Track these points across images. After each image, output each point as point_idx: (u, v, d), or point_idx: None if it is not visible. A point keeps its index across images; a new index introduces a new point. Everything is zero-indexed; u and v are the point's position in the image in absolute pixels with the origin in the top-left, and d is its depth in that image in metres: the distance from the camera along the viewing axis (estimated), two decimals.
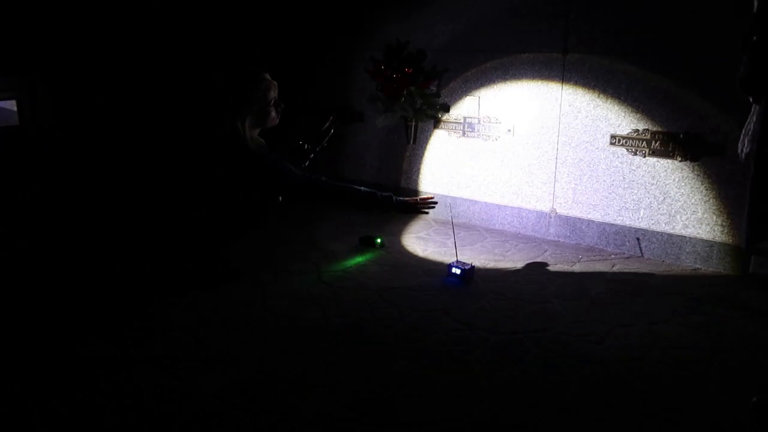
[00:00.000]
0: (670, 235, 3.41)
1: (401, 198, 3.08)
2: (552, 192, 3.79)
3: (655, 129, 3.37)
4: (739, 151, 2.08)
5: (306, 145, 3.44)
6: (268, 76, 2.93)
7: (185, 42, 4.13)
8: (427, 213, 3.11)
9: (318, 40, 4.63)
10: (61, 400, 2.04)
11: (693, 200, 3.32)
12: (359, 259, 3.43)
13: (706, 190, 3.26)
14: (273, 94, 2.93)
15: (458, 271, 3.13)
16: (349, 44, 4.50)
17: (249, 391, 2.12)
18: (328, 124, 3.51)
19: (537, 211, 3.87)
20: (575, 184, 3.69)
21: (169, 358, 2.32)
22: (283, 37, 4.64)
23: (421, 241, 3.79)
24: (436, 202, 3.10)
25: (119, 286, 2.92)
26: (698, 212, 3.31)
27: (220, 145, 2.80)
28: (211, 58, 4.14)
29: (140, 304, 2.76)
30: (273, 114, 2.95)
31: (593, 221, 3.66)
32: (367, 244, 3.64)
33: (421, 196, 3.06)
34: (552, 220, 3.81)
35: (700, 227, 3.32)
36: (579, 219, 3.71)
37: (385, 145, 4.48)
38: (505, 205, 3.99)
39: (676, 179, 3.35)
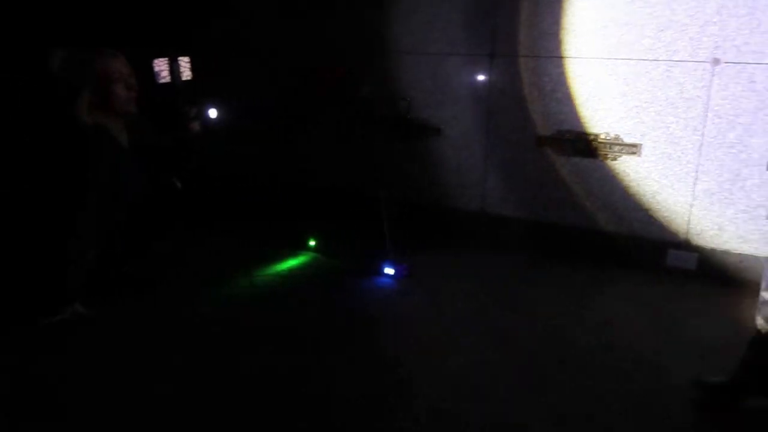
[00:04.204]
0: (595, 233, 3.55)
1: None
2: (482, 193, 3.86)
3: (577, 130, 3.50)
4: None
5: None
6: (111, 50, 2.49)
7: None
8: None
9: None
10: None
11: (613, 198, 3.47)
12: (292, 263, 3.37)
13: (625, 188, 3.42)
14: (116, 68, 2.45)
15: (392, 271, 3.13)
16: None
17: (185, 401, 2.03)
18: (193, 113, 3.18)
19: (467, 212, 3.93)
20: (504, 184, 3.78)
21: (79, 373, 2.19)
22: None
23: (354, 240, 3.76)
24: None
25: (25, 298, 2.69)
26: (618, 209, 3.46)
27: (62, 130, 2.48)
28: None
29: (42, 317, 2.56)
30: (119, 92, 2.47)
31: (521, 219, 3.76)
32: (299, 247, 3.58)
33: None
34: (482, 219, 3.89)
35: (620, 224, 3.47)
36: (508, 218, 3.80)
37: (323, 147, 4.40)
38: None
39: (598, 178, 3.49)
